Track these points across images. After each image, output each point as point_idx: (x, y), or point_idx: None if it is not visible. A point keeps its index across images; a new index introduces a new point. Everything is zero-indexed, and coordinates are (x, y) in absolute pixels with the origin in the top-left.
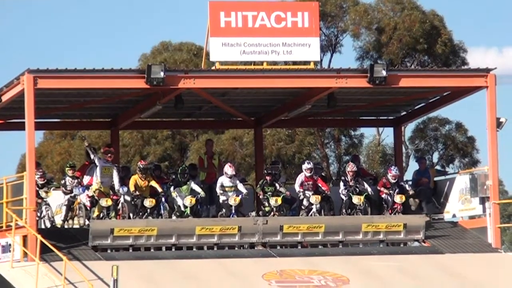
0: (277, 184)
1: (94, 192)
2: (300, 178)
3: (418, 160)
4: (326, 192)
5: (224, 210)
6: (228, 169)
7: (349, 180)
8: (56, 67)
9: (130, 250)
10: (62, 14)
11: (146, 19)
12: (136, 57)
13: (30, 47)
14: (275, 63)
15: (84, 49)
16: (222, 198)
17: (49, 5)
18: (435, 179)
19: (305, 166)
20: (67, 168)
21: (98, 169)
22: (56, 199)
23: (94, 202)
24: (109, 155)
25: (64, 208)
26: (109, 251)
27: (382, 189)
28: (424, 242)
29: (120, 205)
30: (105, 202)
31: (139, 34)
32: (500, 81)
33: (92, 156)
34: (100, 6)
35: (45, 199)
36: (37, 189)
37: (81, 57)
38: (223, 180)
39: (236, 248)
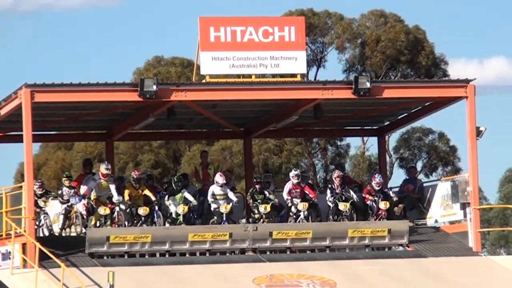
0: (266, 192)
1: (92, 201)
2: (288, 186)
3: (408, 169)
4: (313, 199)
5: (215, 217)
6: (219, 178)
7: (336, 187)
8: (52, 81)
9: (126, 257)
10: (58, 29)
11: (140, 35)
12: (131, 71)
13: (27, 62)
14: (263, 75)
15: (79, 64)
16: (213, 206)
17: (46, 21)
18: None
19: (292, 173)
20: (63, 179)
21: (94, 184)
22: (54, 208)
23: (91, 210)
24: (106, 178)
25: (61, 217)
26: (105, 257)
27: (367, 196)
28: (408, 247)
29: (115, 213)
30: (103, 210)
31: (133, 49)
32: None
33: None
34: (96, 23)
35: (43, 208)
36: (36, 198)
37: (76, 71)
38: (214, 189)
39: (228, 254)
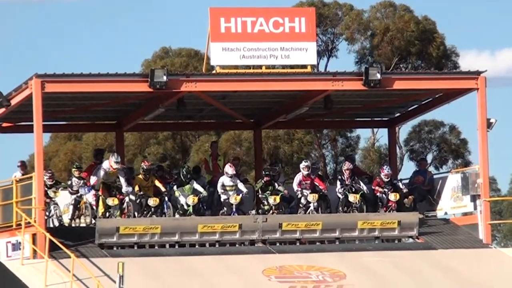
0: (276, 184)
1: (99, 191)
2: (298, 177)
3: (419, 161)
4: (323, 190)
5: (225, 208)
6: (229, 169)
7: (346, 178)
8: (62, 72)
9: (135, 248)
10: (68, 21)
11: (147, 26)
12: (139, 63)
13: (38, 53)
14: (273, 66)
15: (89, 55)
16: (223, 197)
17: (56, 12)
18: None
19: (303, 164)
20: (73, 169)
21: (102, 172)
22: (64, 199)
23: (98, 198)
24: (115, 170)
25: (71, 207)
26: (115, 248)
27: (376, 187)
28: (418, 239)
29: (125, 204)
30: (111, 201)
31: (141, 40)
32: (492, 83)
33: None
34: (103, 14)
35: (53, 199)
36: (46, 189)
37: (86, 62)
38: (224, 180)
39: (237, 245)
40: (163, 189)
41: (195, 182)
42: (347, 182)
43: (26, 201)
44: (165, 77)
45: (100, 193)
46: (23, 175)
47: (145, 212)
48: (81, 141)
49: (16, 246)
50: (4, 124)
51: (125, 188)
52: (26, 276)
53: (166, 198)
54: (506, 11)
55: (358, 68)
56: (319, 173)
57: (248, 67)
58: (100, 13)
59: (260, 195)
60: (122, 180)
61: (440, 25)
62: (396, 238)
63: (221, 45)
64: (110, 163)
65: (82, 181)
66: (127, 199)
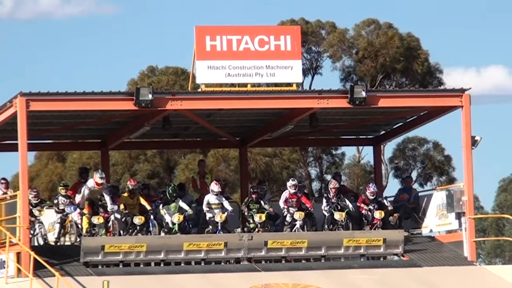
0: (262, 202)
1: (84, 208)
2: (284, 195)
3: (405, 178)
4: (309, 208)
5: (210, 226)
6: (214, 186)
7: (332, 196)
8: (47, 90)
9: (120, 266)
10: (55, 40)
11: (134, 45)
12: (125, 82)
13: (23, 71)
14: (259, 85)
15: (75, 74)
16: (208, 215)
17: (42, 31)
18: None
19: (290, 183)
20: (60, 188)
21: (87, 191)
22: (49, 217)
23: (82, 215)
24: (100, 187)
25: (57, 226)
26: (100, 267)
27: (362, 205)
28: (403, 256)
29: (110, 222)
30: (96, 220)
31: (127, 59)
32: (478, 100)
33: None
34: (90, 32)
35: (38, 218)
36: (31, 207)
37: (71, 81)
38: (210, 198)
39: (223, 263)
40: (148, 207)
41: (180, 200)
42: (333, 200)
43: (11, 219)
44: (150, 95)
45: (85, 210)
46: (4, 193)
47: (130, 230)
48: (65, 162)
49: (0, 265)
50: None
51: (110, 206)
52: None
53: (152, 217)
54: (492, 28)
55: (343, 85)
56: (306, 191)
57: (233, 85)
58: (87, 32)
59: (245, 213)
60: (107, 198)
61: (424, 42)
62: (381, 255)
63: (206, 63)
64: (95, 180)
65: (68, 200)
66: (112, 217)
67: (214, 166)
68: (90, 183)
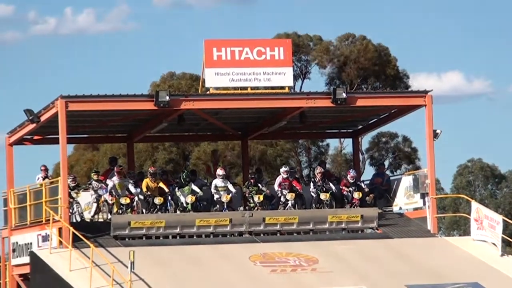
0: (259, 185)
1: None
2: (278, 179)
3: (378, 165)
4: (299, 190)
5: (218, 206)
6: (220, 171)
7: (318, 180)
8: (83, 93)
9: (144, 239)
10: (89, 51)
11: (156, 54)
12: (148, 84)
13: (63, 77)
14: (257, 88)
15: (105, 79)
16: (216, 196)
17: (79, 45)
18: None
19: (283, 169)
20: (92, 174)
21: (112, 183)
22: (84, 198)
23: (112, 196)
24: (120, 174)
25: (94, 205)
26: (127, 239)
27: (343, 187)
28: (377, 230)
29: (135, 203)
30: (124, 200)
31: (150, 66)
32: (438, 101)
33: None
34: (119, 45)
35: (75, 199)
36: (69, 190)
37: (103, 85)
38: (217, 182)
39: (228, 236)
40: (166, 190)
41: (193, 184)
42: (319, 183)
43: (53, 200)
44: (167, 97)
45: (115, 193)
46: (44, 177)
47: (151, 209)
48: (98, 152)
49: (45, 238)
50: (35, 137)
51: (133, 190)
52: (54, 262)
53: (169, 198)
54: (451, 40)
55: (328, 88)
56: (296, 176)
57: (236, 88)
58: (116, 44)
59: (247, 195)
60: (130, 186)
61: (393, 51)
62: (359, 229)
63: (214, 70)
64: (117, 172)
65: (100, 184)
66: (136, 198)
67: (222, 152)
68: (114, 177)
